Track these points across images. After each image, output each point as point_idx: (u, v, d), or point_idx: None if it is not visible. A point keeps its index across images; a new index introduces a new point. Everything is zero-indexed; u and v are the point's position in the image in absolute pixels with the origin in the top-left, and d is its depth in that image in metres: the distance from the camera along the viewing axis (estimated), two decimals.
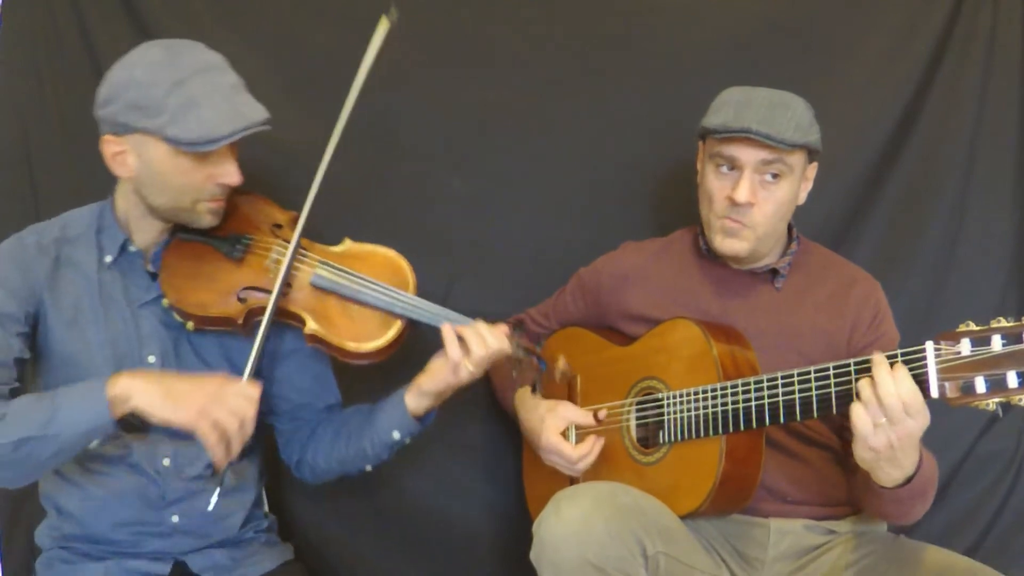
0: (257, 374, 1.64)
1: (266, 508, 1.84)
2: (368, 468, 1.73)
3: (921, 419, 1.34)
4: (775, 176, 1.65)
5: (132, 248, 1.64)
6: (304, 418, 1.77)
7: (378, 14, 2.14)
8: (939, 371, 1.32)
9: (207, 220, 1.61)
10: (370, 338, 1.61)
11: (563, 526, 1.42)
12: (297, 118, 2.11)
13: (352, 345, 1.61)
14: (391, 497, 2.08)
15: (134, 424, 1.52)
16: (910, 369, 1.34)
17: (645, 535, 1.44)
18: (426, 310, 1.61)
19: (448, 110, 2.14)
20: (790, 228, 1.77)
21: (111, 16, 2.09)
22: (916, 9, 2.14)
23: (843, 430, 1.63)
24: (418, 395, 1.65)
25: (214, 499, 1.56)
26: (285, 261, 1.60)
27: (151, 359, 1.63)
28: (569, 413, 1.72)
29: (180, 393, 1.48)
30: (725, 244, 1.68)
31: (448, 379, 1.60)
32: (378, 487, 2.08)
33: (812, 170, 1.74)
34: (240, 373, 1.58)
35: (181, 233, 1.63)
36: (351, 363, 1.64)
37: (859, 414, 1.36)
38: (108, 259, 1.63)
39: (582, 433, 1.72)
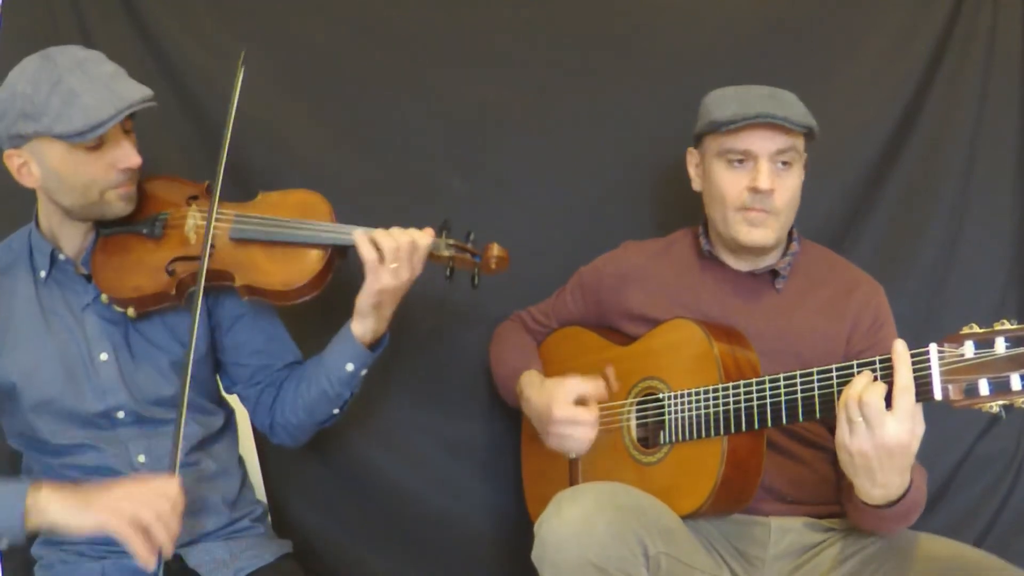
0: (211, 346, 1.72)
1: (261, 496, 1.84)
2: (335, 411, 1.75)
3: (901, 429, 1.32)
4: (785, 164, 1.67)
5: (61, 256, 1.68)
6: (265, 381, 1.79)
7: (378, 14, 2.16)
8: (942, 373, 1.31)
9: (120, 207, 1.64)
10: (299, 273, 1.64)
11: (564, 526, 1.42)
12: (297, 117, 2.11)
13: (283, 285, 1.64)
14: (391, 497, 2.08)
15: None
16: (914, 371, 1.33)
17: (647, 535, 1.44)
18: (341, 231, 1.64)
19: (448, 110, 2.14)
20: (790, 229, 1.77)
21: (111, 16, 2.09)
22: (916, 9, 2.14)
23: None
24: (359, 318, 1.67)
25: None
26: (208, 222, 1.64)
27: (103, 357, 1.66)
28: (577, 386, 1.69)
29: (93, 500, 1.49)
30: (752, 235, 1.68)
31: (373, 285, 1.61)
32: (377, 487, 2.08)
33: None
34: (194, 349, 1.62)
35: (103, 230, 1.68)
36: (291, 304, 1.67)
37: (838, 410, 1.36)
38: (42, 274, 1.68)
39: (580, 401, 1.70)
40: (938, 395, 1.32)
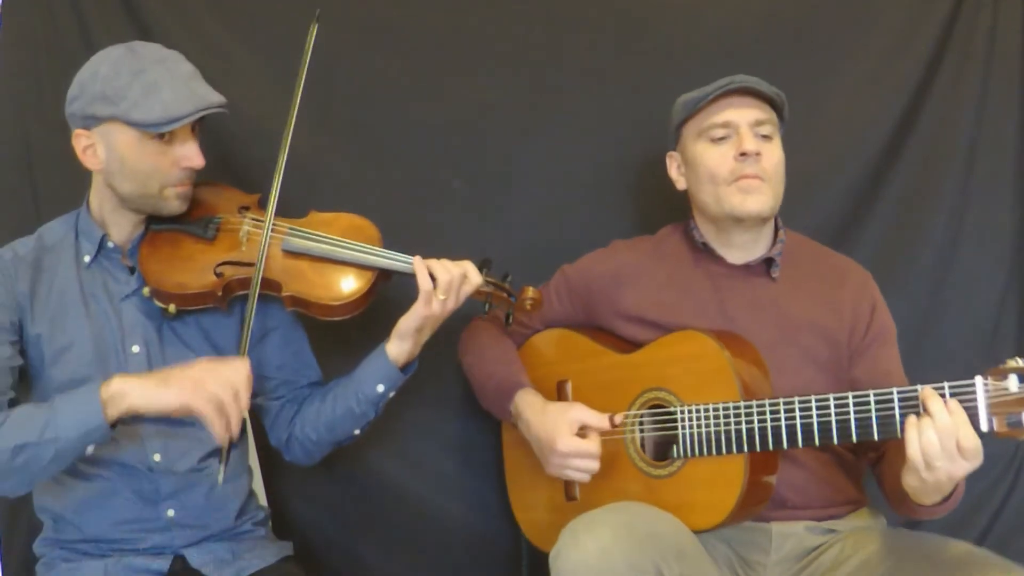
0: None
1: (263, 501, 1.84)
2: (356, 432, 1.76)
3: (975, 461, 1.37)
4: (765, 138, 1.69)
5: (110, 244, 1.70)
6: (287, 396, 1.80)
7: (378, 15, 2.16)
8: (989, 406, 1.36)
9: (175, 205, 1.67)
10: (347, 291, 1.67)
11: (582, 560, 1.40)
12: (297, 118, 2.10)
13: (331, 300, 1.66)
14: (390, 498, 2.08)
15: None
16: (961, 402, 1.37)
17: (662, 561, 1.42)
18: (395, 258, 1.67)
19: (448, 110, 2.14)
20: (775, 219, 1.76)
21: (111, 16, 2.09)
22: (916, 9, 2.14)
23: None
24: (398, 339, 1.68)
25: (220, 476, 1.58)
26: (265, 229, 1.67)
27: (135, 349, 1.67)
28: (583, 415, 1.65)
29: (171, 378, 1.53)
30: (747, 203, 1.67)
31: (421, 312, 1.63)
32: (377, 488, 2.09)
33: None
34: (223, 354, 1.68)
35: (154, 225, 1.70)
36: (331, 319, 1.69)
37: (914, 450, 1.37)
38: (87, 259, 1.69)
39: (579, 432, 1.66)
40: (984, 427, 1.36)
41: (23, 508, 2.01)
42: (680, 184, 1.80)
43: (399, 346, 1.69)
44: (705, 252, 1.76)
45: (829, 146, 2.04)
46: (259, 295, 1.68)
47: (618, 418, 1.67)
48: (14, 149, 2.10)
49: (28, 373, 1.67)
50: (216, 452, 1.70)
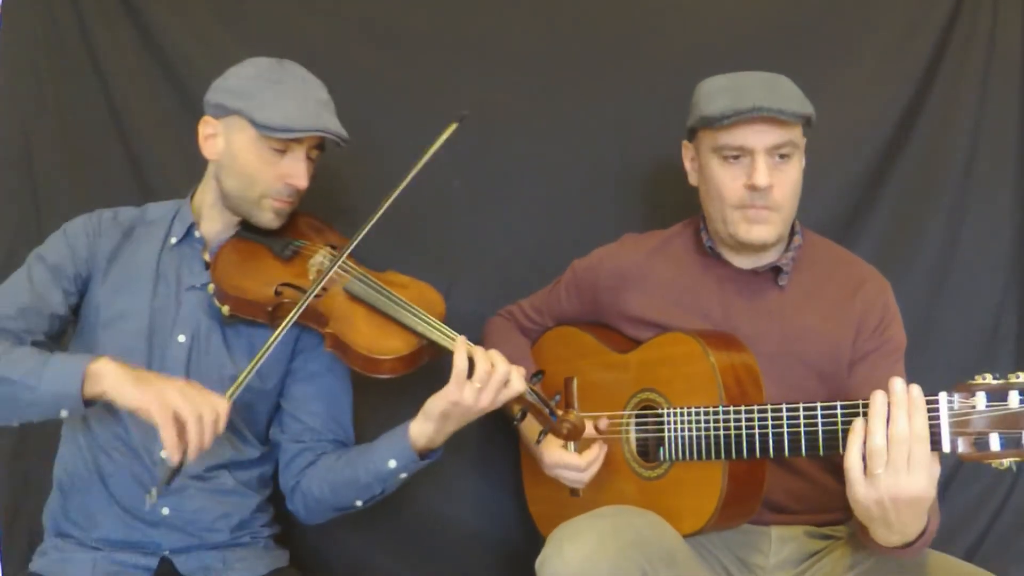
0: (278, 387, 1.75)
1: (270, 518, 1.82)
2: (359, 504, 1.70)
3: (920, 479, 1.26)
4: (783, 157, 1.62)
5: (197, 234, 1.75)
6: (308, 444, 1.76)
7: (378, 15, 2.16)
8: (952, 425, 1.25)
9: (268, 218, 1.71)
10: (388, 347, 1.63)
11: (566, 568, 1.39)
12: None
13: (367, 351, 1.63)
14: (391, 500, 2.07)
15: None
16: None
17: (648, 566, 1.41)
18: (447, 333, 1.62)
19: (448, 110, 2.13)
20: (793, 223, 1.72)
21: (111, 16, 2.09)
22: (916, 9, 2.14)
23: None
24: (423, 417, 1.62)
25: (153, 497, 1.50)
26: (329, 263, 1.68)
27: (181, 338, 1.69)
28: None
29: (147, 380, 1.52)
30: (752, 233, 1.63)
31: (451, 394, 1.56)
32: (390, 495, 2.08)
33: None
34: (263, 380, 1.71)
35: (243, 231, 1.75)
36: (367, 374, 1.65)
37: (853, 454, 1.29)
38: (173, 240, 1.75)
39: (583, 440, 1.67)
40: (946, 447, 1.25)
41: (24, 508, 2.01)
42: (692, 179, 1.76)
43: (422, 426, 1.62)
44: (713, 256, 1.73)
45: (830, 145, 2.04)
46: (306, 327, 1.69)
47: (603, 423, 1.67)
48: (14, 149, 2.10)
49: (82, 329, 1.71)
50: (226, 464, 1.71)
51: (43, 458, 1.80)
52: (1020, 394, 1.21)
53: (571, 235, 2.10)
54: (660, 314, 1.71)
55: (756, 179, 1.59)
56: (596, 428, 1.67)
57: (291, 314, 1.61)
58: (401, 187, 1.70)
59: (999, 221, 2.14)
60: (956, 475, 2.09)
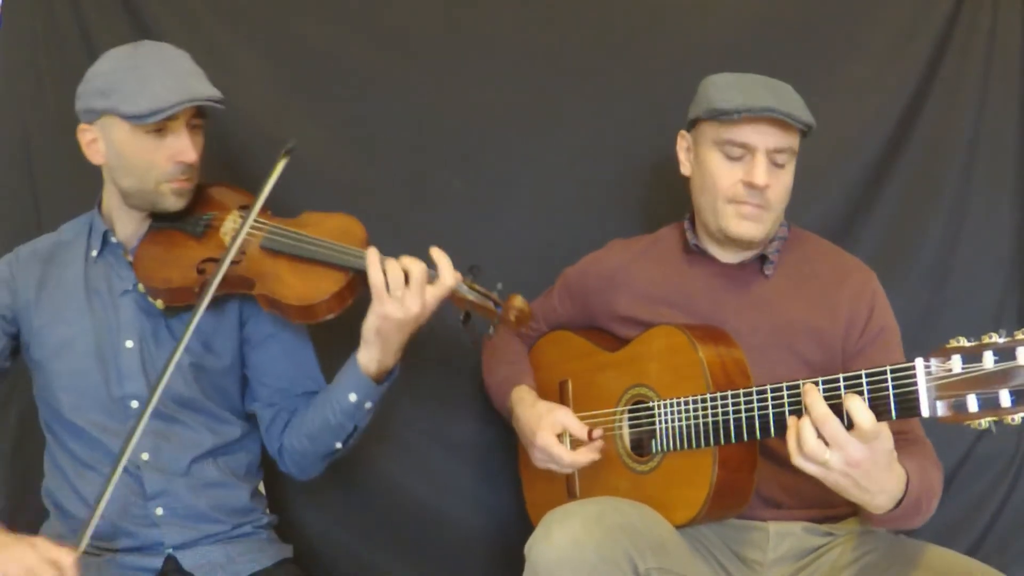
0: (238, 359, 1.74)
1: (266, 507, 1.83)
2: (339, 446, 1.70)
3: (874, 441, 1.30)
4: (779, 165, 1.65)
5: (113, 239, 1.74)
6: (281, 404, 1.77)
7: (378, 14, 2.16)
8: (929, 389, 1.27)
9: (172, 202, 1.68)
10: (317, 291, 1.62)
11: (554, 551, 1.40)
12: (297, 117, 2.11)
13: (299, 300, 1.62)
14: (390, 499, 2.08)
15: None
16: (900, 387, 1.30)
17: (636, 553, 1.42)
18: (359, 255, 1.61)
19: (448, 110, 2.14)
20: None
21: (111, 16, 2.09)
22: (916, 9, 2.14)
23: None
24: (363, 345, 1.62)
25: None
26: (240, 227, 1.64)
27: (128, 344, 1.69)
28: (566, 420, 1.69)
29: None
30: (742, 228, 1.66)
31: (377, 310, 1.57)
32: (377, 489, 2.08)
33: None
34: (217, 355, 1.71)
35: (154, 222, 1.72)
36: (310, 322, 1.67)
37: (790, 440, 1.33)
38: (94, 253, 1.74)
39: (576, 442, 1.69)
40: (925, 412, 1.27)
41: (24, 508, 2.01)
42: (685, 169, 1.78)
43: (367, 352, 1.62)
44: (699, 252, 1.76)
45: (830, 145, 2.04)
46: (243, 296, 1.68)
47: (597, 432, 1.68)
48: (14, 149, 2.10)
49: (38, 364, 1.72)
50: (210, 452, 1.71)
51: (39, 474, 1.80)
52: (995, 354, 1.22)
53: (571, 235, 2.10)
54: (649, 312, 1.73)
55: (756, 177, 1.62)
56: (590, 437, 1.68)
57: (206, 292, 1.58)
58: (249, 221, 1.63)
59: (999, 221, 2.14)
60: (956, 475, 2.10)
